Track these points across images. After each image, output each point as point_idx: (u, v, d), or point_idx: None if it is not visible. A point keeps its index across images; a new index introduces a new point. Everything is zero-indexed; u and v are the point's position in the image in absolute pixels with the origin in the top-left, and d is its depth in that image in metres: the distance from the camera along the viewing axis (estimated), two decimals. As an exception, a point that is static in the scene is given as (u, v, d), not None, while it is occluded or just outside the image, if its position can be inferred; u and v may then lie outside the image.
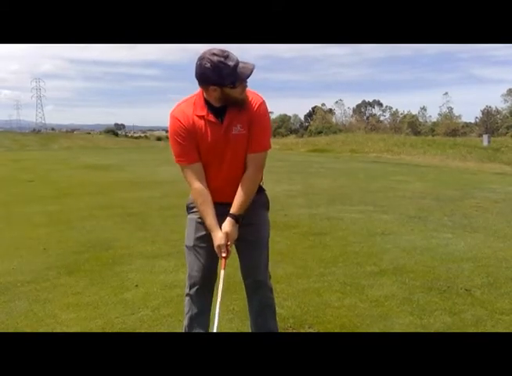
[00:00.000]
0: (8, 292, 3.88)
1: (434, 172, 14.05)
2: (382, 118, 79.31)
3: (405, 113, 75.81)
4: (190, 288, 2.47)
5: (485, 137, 26.58)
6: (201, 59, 2.08)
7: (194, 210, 2.40)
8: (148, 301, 3.65)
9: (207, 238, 2.34)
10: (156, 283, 4.03)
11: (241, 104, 2.20)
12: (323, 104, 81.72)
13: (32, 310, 3.50)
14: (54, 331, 3.10)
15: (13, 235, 5.95)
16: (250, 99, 2.24)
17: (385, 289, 3.87)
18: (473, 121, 70.99)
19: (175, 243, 5.00)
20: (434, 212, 7.14)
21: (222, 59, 2.06)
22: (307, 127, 76.54)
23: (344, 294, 3.75)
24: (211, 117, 2.22)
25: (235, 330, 3.10)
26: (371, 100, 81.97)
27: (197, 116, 2.23)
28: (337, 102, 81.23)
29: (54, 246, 5.30)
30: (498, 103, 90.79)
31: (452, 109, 70.75)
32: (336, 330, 3.09)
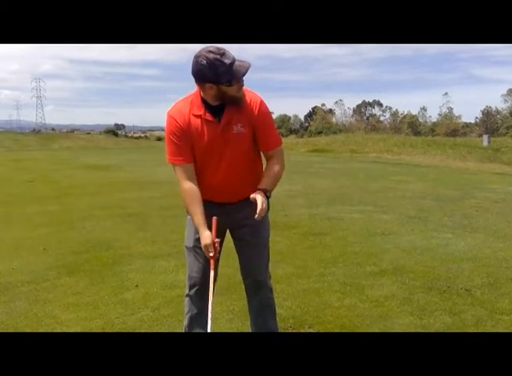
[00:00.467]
0: (8, 292, 3.88)
1: (434, 172, 14.05)
2: (382, 118, 79.38)
3: (405, 113, 75.88)
4: (190, 289, 2.47)
5: (485, 137, 26.61)
6: (197, 56, 2.08)
7: None
8: (148, 301, 3.65)
9: None
10: (157, 284, 4.03)
11: (238, 102, 2.20)
12: (323, 104, 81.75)
13: (32, 310, 3.50)
14: (54, 331, 3.10)
15: (13, 235, 5.95)
16: (248, 98, 2.24)
17: (385, 289, 3.87)
18: (473, 121, 71.10)
19: (175, 243, 5.00)
20: (434, 212, 7.14)
21: (218, 57, 2.05)
22: (307, 127, 76.57)
23: (344, 295, 3.75)
24: (208, 116, 2.21)
25: (235, 330, 3.10)
26: (371, 100, 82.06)
27: (194, 115, 2.22)
28: (336, 102, 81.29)
29: (54, 246, 5.30)
30: (498, 103, 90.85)
31: (452, 109, 70.88)
32: (336, 331, 3.09)
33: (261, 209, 2.13)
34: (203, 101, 2.22)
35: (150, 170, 14.37)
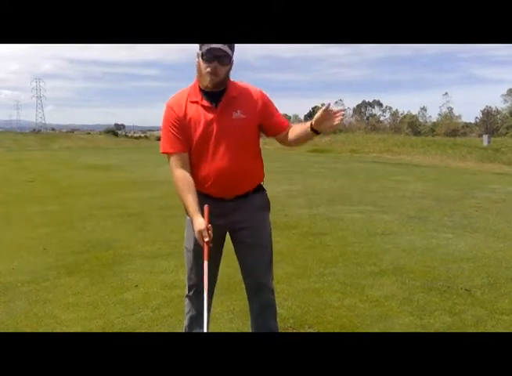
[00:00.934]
0: (8, 292, 3.88)
1: (434, 172, 14.06)
2: (382, 118, 79.41)
3: (405, 113, 75.88)
4: (189, 290, 2.47)
5: (485, 137, 26.61)
6: None
7: None
8: (148, 301, 3.65)
9: None
10: (157, 284, 4.03)
11: (216, 86, 2.20)
12: (323, 104, 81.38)
13: (32, 310, 3.50)
14: (54, 331, 3.10)
15: (13, 235, 5.95)
16: (249, 89, 2.29)
17: (385, 289, 3.87)
18: (473, 121, 71.10)
19: (175, 243, 5.00)
20: (434, 212, 7.14)
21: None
22: (307, 127, 76.40)
23: (344, 295, 3.75)
24: (205, 102, 2.23)
25: (235, 330, 3.10)
26: (371, 100, 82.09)
27: (191, 102, 2.25)
28: (336, 102, 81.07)
29: (54, 246, 5.30)
30: (498, 103, 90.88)
31: (452, 109, 70.85)
32: (336, 331, 3.09)
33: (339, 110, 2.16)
34: (201, 89, 2.25)
35: (150, 170, 14.37)
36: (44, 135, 53.35)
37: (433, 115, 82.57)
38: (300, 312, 3.41)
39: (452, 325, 3.18)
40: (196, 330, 2.46)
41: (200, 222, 2.19)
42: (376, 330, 3.08)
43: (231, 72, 2.26)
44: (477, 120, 69.72)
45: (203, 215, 2.21)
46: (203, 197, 2.28)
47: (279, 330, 2.71)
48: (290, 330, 3.12)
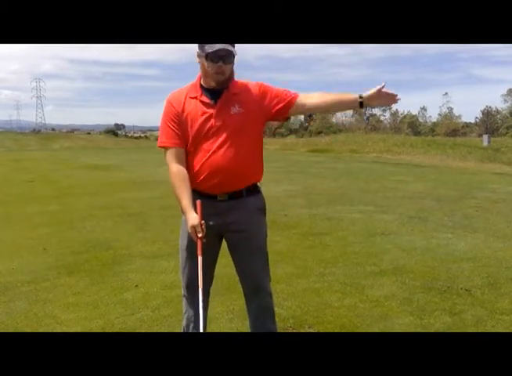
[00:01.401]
0: (8, 292, 3.88)
1: (434, 172, 14.05)
2: (382, 118, 79.29)
3: (405, 113, 75.84)
4: (185, 290, 2.46)
5: (485, 137, 26.61)
6: None
7: None
8: (148, 301, 3.65)
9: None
10: (157, 284, 4.03)
11: (220, 84, 2.21)
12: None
13: (32, 310, 3.50)
14: (54, 331, 3.10)
15: (13, 235, 5.95)
16: (246, 83, 2.29)
17: (385, 289, 3.87)
18: (473, 121, 71.07)
19: (175, 243, 4.94)
20: (434, 212, 7.14)
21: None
22: (307, 127, 76.56)
23: (344, 295, 3.75)
24: (204, 98, 2.24)
25: (235, 330, 3.10)
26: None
27: (190, 97, 2.26)
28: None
29: (54, 246, 5.30)
30: (498, 103, 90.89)
31: (452, 109, 70.78)
32: (336, 331, 3.08)
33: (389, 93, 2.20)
34: (202, 86, 2.27)
35: (150, 170, 14.37)
36: (44, 135, 53.38)
37: (433, 115, 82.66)
38: (300, 312, 3.41)
39: (452, 325, 3.18)
40: (194, 330, 2.45)
41: (193, 217, 2.19)
42: (376, 330, 3.08)
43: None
44: (477, 120, 69.72)
45: (196, 210, 2.22)
46: (196, 195, 2.27)
47: (279, 331, 2.70)
48: (290, 330, 3.12)
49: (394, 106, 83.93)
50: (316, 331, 3.10)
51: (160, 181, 10.83)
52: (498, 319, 3.27)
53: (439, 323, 3.22)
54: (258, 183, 2.42)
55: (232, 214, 2.31)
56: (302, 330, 3.12)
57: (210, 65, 2.15)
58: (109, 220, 6.73)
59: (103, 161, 18.40)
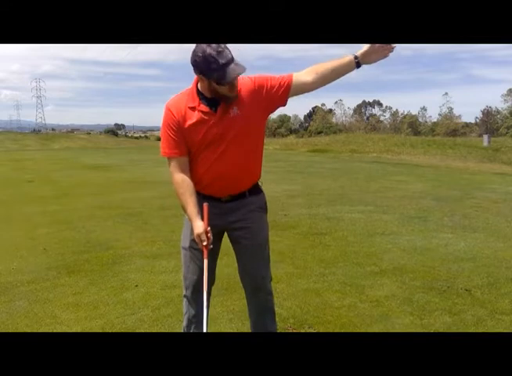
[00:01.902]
0: (8, 292, 3.88)
1: (434, 172, 14.06)
2: (382, 118, 79.38)
3: (405, 113, 75.87)
4: (186, 290, 2.46)
5: (485, 137, 26.61)
6: (196, 47, 2.09)
7: None
8: (148, 301, 3.65)
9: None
10: (157, 284, 4.03)
11: (229, 100, 2.18)
12: (323, 104, 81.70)
13: (32, 310, 3.50)
14: (54, 331, 3.10)
15: (13, 235, 5.95)
16: (242, 83, 2.22)
17: (385, 289, 3.87)
18: (473, 121, 71.11)
19: (175, 243, 4.99)
20: (434, 212, 7.14)
21: (214, 54, 2.04)
22: (307, 127, 76.58)
23: (344, 294, 3.75)
24: (203, 108, 2.20)
25: (235, 331, 3.10)
26: (371, 100, 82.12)
27: (190, 107, 2.22)
28: (336, 102, 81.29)
29: (54, 246, 5.30)
30: (498, 103, 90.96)
31: (452, 109, 70.81)
32: (336, 331, 3.09)
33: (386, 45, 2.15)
34: (199, 93, 2.22)
35: (150, 170, 14.38)
36: (44, 135, 53.41)
37: (433, 115, 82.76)
38: (300, 312, 3.41)
39: (452, 325, 3.18)
40: (195, 330, 2.45)
41: (199, 226, 2.19)
42: (376, 330, 3.08)
43: None
44: (477, 120, 69.75)
45: (202, 215, 2.22)
46: (201, 197, 2.28)
47: (279, 331, 2.70)
48: (290, 330, 3.12)
49: (394, 106, 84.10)
50: (316, 331, 3.10)
51: (160, 181, 10.83)
52: (498, 319, 3.27)
53: (439, 323, 3.22)
54: (259, 182, 2.44)
55: (235, 213, 2.34)
56: (302, 330, 3.12)
57: (223, 87, 2.11)
58: (109, 220, 6.73)
59: (103, 161, 18.40)
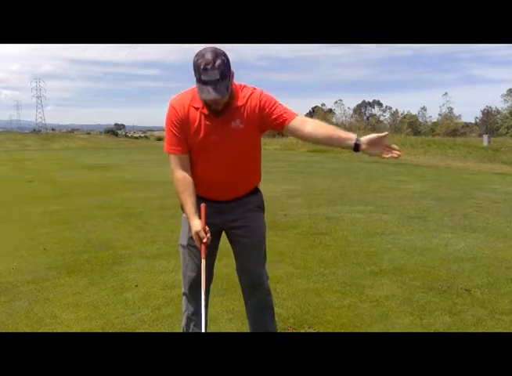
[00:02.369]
0: (8, 292, 3.88)
1: (434, 172, 14.06)
2: (382, 118, 79.38)
3: (405, 113, 75.87)
4: (185, 287, 2.47)
5: (485, 137, 26.60)
6: (201, 49, 2.08)
7: None
8: (148, 301, 3.65)
9: None
10: (157, 284, 4.03)
11: (215, 110, 2.18)
12: (323, 104, 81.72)
13: (32, 310, 3.50)
14: (54, 331, 3.10)
15: (13, 235, 5.95)
16: (247, 95, 2.21)
17: (385, 289, 3.87)
18: (473, 121, 71.11)
19: (175, 243, 4.94)
20: (434, 212, 7.14)
21: (202, 67, 2.02)
22: (307, 127, 76.37)
23: (344, 295, 3.75)
24: (206, 110, 2.21)
25: (235, 331, 3.10)
26: (371, 100, 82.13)
27: (193, 107, 2.22)
28: (336, 102, 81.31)
29: (54, 246, 5.30)
30: (498, 103, 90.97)
31: (452, 109, 70.79)
32: (336, 331, 3.09)
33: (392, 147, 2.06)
34: None
35: (150, 170, 14.38)
36: (44, 135, 53.43)
37: (433, 115, 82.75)
38: (300, 312, 3.41)
39: (452, 325, 3.18)
40: (194, 329, 2.46)
41: (197, 224, 2.20)
42: (376, 330, 3.08)
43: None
44: (477, 120, 69.75)
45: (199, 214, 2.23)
46: (199, 199, 2.29)
47: (279, 331, 2.71)
48: (290, 330, 3.12)
49: (394, 106, 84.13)
50: (316, 331, 3.10)
51: (160, 181, 10.83)
52: (498, 320, 3.27)
53: (439, 323, 3.22)
54: (257, 184, 2.45)
55: (232, 212, 2.36)
56: (302, 330, 3.12)
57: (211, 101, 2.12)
58: (109, 220, 6.73)
59: (103, 161, 18.41)
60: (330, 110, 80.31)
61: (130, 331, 3.09)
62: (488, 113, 67.04)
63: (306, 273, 4.27)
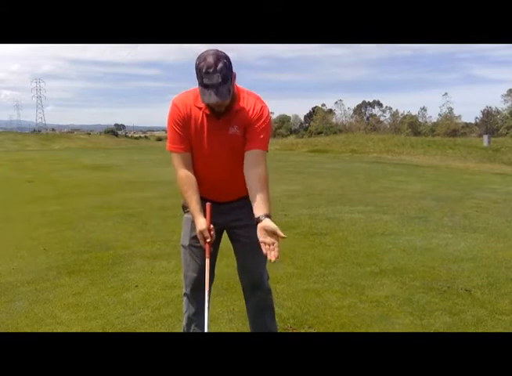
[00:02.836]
0: (8, 292, 3.88)
1: (434, 173, 14.06)
2: (382, 119, 79.43)
3: (405, 113, 75.89)
4: (186, 288, 2.47)
5: (485, 137, 26.62)
6: (203, 52, 2.09)
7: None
8: (148, 301, 3.65)
9: None
10: (157, 284, 4.03)
11: (219, 112, 2.19)
12: (323, 104, 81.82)
13: (32, 310, 3.50)
14: (54, 331, 3.10)
15: (13, 235, 5.95)
16: (252, 103, 2.24)
17: (385, 289, 3.87)
18: (473, 121, 71.14)
19: (175, 243, 4.98)
20: (434, 212, 7.14)
21: (204, 71, 2.03)
22: (307, 127, 76.59)
23: (344, 295, 3.75)
24: (209, 111, 2.22)
25: (235, 331, 3.10)
26: (371, 101, 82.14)
27: (196, 107, 2.23)
28: (336, 102, 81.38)
29: (54, 246, 5.30)
30: (498, 103, 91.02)
31: (452, 109, 70.83)
32: (336, 331, 3.09)
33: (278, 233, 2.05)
34: None
35: (150, 170, 14.39)
36: (44, 135, 53.46)
37: (433, 115, 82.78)
38: (300, 312, 3.41)
39: (452, 325, 3.18)
40: (195, 330, 2.46)
41: (201, 222, 2.20)
42: (376, 330, 3.08)
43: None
44: (478, 120, 69.77)
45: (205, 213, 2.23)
46: (201, 200, 2.29)
47: (279, 331, 2.71)
48: (290, 330, 3.12)
49: (394, 107, 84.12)
50: (316, 331, 3.10)
51: (160, 181, 10.84)
52: (498, 320, 3.27)
53: (439, 323, 3.22)
54: None
55: (233, 212, 2.38)
56: (302, 330, 3.12)
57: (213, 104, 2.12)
58: (109, 220, 6.73)
59: (103, 161, 18.41)
60: (330, 111, 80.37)
61: (130, 331, 3.09)
62: (488, 114, 67.05)
63: (306, 273, 4.27)
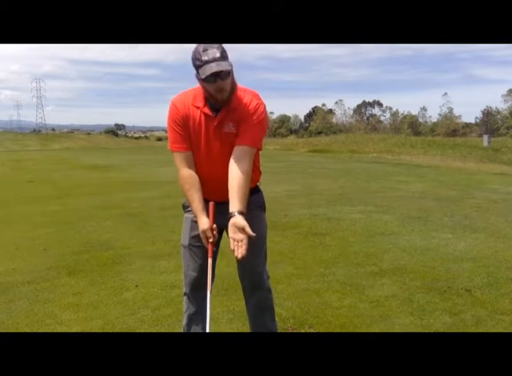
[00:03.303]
0: (8, 292, 3.88)
1: (435, 173, 14.06)
2: (382, 119, 79.45)
3: (406, 113, 75.91)
4: (187, 287, 2.47)
5: (485, 137, 26.66)
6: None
7: (190, 209, 2.39)
8: (148, 301, 3.65)
9: None
10: (157, 284, 4.03)
11: (220, 103, 2.19)
12: (323, 104, 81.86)
13: (32, 310, 3.50)
14: (54, 331, 3.10)
15: (13, 235, 5.95)
16: (248, 100, 2.24)
17: (385, 289, 3.87)
18: (473, 121, 71.16)
19: (176, 243, 4.99)
20: (434, 212, 7.13)
21: (201, 50, 2.07)
22: (307, 127, 76.62)
23: (344, 295, 3.75)
24: (206, 110, 2.23)
25: (235, 331, 3.10)
26: (371, 100, 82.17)
27: (194, 106, 2.24)
28: (337, 102, 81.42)
29: (54, 246, 5.30)
30: (498, 103, 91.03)
31: (452, 109, 70.84)
32: (336, 331, 3.08)
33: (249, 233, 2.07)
34: (205, 96, 2.24)
35: (150, 170, 14.39)
36: (44, 135, 53.47)
37: (433, 115, 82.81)
38: (300, 312, 3.41)
39: (452, 325, 3.18)
40: (195, 329, 2.46)
41: (204, 222, 2.21)
42: (377, 330, 3.08)
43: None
44: (478, 120, 69.79)
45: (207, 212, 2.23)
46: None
47: (279, 331, 2.71)
48: (290, 330, 3.12)
49: (394, 107, 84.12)
50: (316, 331, 3.10)
51: (160, 181, 10.84)
52: (498, 320, 3.27)
53: (439, 323, 3.22)
54: (258, 183, 2.45)
55: None
56: (302, 330, 3.12)
57: (209, 85, 2.12)
58: (109, 220, 6.73)
59: (103, 162, 18.41)
60: (330, 111, 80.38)
61: (130, 331, 3.09)
62: (488, 114, 67.04)
63: (306, 273, 4.27)
